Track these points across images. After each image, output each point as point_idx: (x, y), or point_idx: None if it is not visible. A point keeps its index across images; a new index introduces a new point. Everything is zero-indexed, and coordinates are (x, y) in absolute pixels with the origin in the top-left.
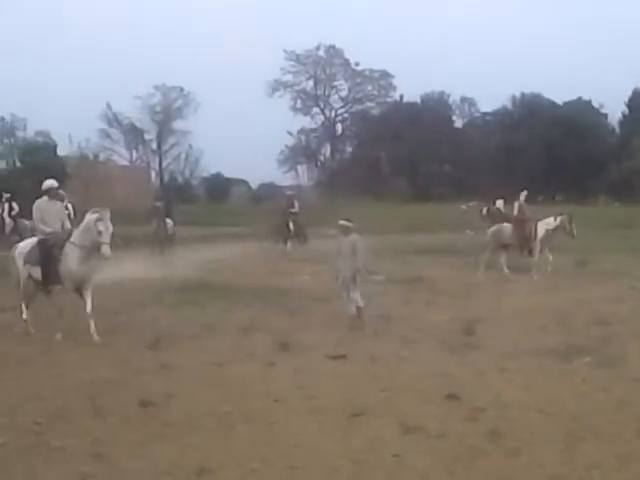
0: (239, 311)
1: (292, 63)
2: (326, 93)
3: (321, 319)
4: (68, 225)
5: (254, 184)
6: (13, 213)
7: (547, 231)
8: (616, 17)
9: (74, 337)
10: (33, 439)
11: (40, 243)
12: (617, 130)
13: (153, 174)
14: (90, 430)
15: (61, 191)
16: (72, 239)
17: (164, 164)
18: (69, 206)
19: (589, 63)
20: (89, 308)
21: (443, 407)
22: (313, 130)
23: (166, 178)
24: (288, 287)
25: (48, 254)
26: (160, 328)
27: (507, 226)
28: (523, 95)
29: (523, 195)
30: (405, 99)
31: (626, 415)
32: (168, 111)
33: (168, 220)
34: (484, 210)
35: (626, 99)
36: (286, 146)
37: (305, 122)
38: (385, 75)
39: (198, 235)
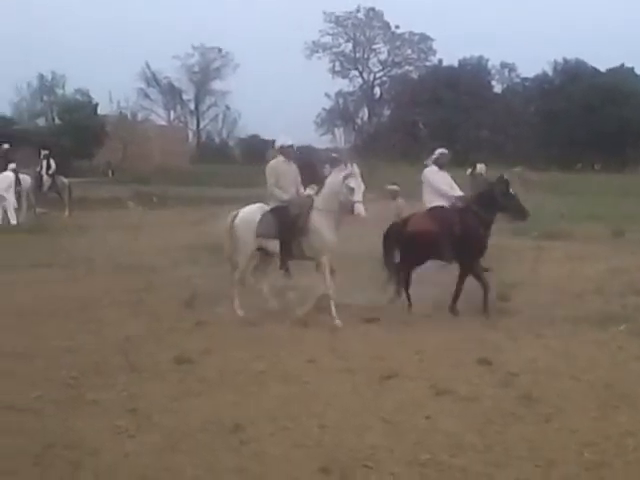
0: (274, 271)
1: (331, 25)
2: (365, 56)
3: (355, 281)
4: (302, 190)
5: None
6: (51, 171)
7: None
8: None
9: (109, 294)
10: (68, 392)
11: (277, 212)
12: None
13: (190, 134)
14: (125, 385)
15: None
16: (316, 205)
17: (201, 125)
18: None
19: (633, 29)
20: (330, 285)
21: (475, 371)
22: (351, 93)
23: (203, 138)
24: None
25: (291, 225)
26: (195, 287)
27: None
28: (565, 61)
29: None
30: (444, 63)
31: None
32: (206, 71)
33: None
34: (468, 172)
35: None
36: (324, 109)
37: (343, 85)
38: (424, 38)
39: (233, 196)
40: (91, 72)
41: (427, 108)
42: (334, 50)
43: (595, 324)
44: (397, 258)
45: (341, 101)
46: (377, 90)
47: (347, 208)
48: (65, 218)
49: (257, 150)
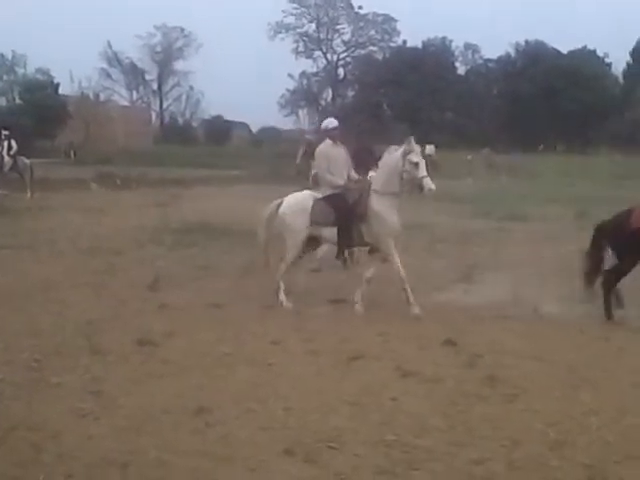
0: (239, 253)
1: (294, 5)
2: (328, 37)
3: (322, 263)
4: (353, 173)
5: (255, 127)
6: (12, 152)
7: None
8: None
9: (72, 276)
10: (31, 375)
11: (332, 199)
12: (621, 80)
13: (153, 115)
14: (88, 368)
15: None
16: (374, 188)
17: (164, 105)
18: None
19: (595, 11)
20: (401, 273)
21: (440, 352)
22: (315, 74)
23: (167, 119)
24: None
25: (349, 211)
26: (159, 269)
27: None
28: (527, 43)
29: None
30: (408, 44)
31: (623, 365)
32: (169, 51)
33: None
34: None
35: (630, 49)
36: (287, 90)
37: (307, 66)
38: (388, 19)
39: (197, 177)
40: (52, 51)
41: (391, 89)
42: (297, 31)
43: (558, 305)
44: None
45: (305, 82)
46: (341, 71)
47: (410, 186)
48: (27, 199)
49: (220, 131)
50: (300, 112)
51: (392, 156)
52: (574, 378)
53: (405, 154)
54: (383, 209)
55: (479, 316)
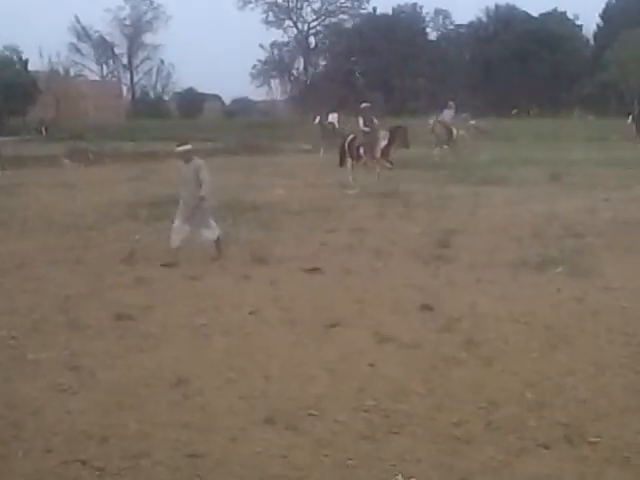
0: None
1: None
2: (298, 5)
3: (295, 233)
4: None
5: (227, 99)
6: None
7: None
8: None
9: (47, 252)
10: (9, 352)
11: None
12: (592, 42)
13: (125, 89)
14: (66, 343)
15: None
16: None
17: (135, 79)
18: None
19: None
20: None
21: (417, 318)
22: (286, 44)
23: (138, 93)
24: (262, 201)
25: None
26: (134, 243)
27: None
28: (497, 7)
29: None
30: (378, 11)
31: (599, 324)
32: (138, 24)
33: None
34: (316, 120)
35: (600, 10)
36: (259, 60)
37: (278, 36)
38: None
39: (170, 151)
40: (20, 28)
41: (363, 57)
42: (267, 0)
43: (533, 267)
44: None
45: (276, 52)
46: (312, 40)
47: None
48: None
49: (193, 103)
50: (272, 82)
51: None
52: (551, 339)
53: None
54: None
55: (455, 280)
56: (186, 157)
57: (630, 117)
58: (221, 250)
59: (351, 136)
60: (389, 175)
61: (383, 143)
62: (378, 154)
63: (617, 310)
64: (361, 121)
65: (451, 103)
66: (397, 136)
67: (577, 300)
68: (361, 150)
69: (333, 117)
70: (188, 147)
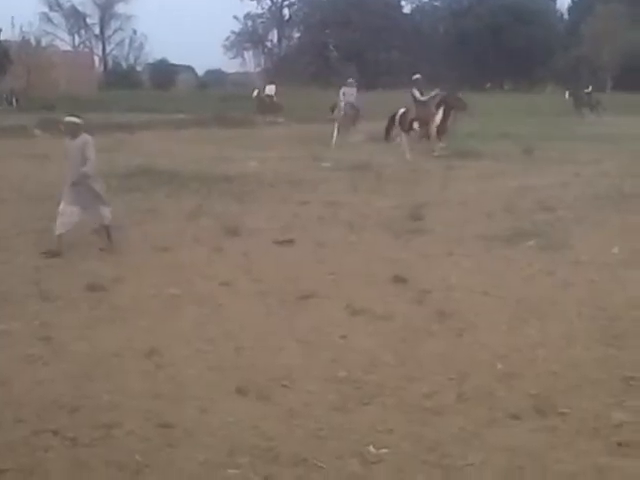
0: (184, 197)
1: None
2: None
3: (268, 205)
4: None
5: (200, 70)
6: None
7: None
8: None
9: (18, 223)
10: None
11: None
12: (566, 16)
13: (97, 60)
14: (37, 314)
15: None
16: None
17: (107, 50)
18: None
19: None
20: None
21: (389, 290)
22: (260, 15)
23: (110, 64)
24: (235, 173)
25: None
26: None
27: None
28: None
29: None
30: None
31: (569, 297)
32: None
33: None
34: (254, 92)
35: None
36: (232, 32)
37: (252, 7)
38: None
39: (142, 122)
40: None
41: (337, 30)
42: None
43: (505, 241)
44: None
45: (250, 23)
46: (286, 12)
47: None
48: None
49: (165, 75)
50: (246, 54)
51: None
52: (521, 311)
53: None
54: None
55: (427, 253)
56: (73, 131)
57: (567, 92)
58: (112, 239)
59: (402, 109)
60: (357, 147)
61: (438, 118)
62: (434, 131)
63: (587, 284)
64: (417, 93)
65: (351, 80)
66: (452, 106)
67: (548, 273)
68: (415, 125)
69: (270, 89)
70: (76, 120)
